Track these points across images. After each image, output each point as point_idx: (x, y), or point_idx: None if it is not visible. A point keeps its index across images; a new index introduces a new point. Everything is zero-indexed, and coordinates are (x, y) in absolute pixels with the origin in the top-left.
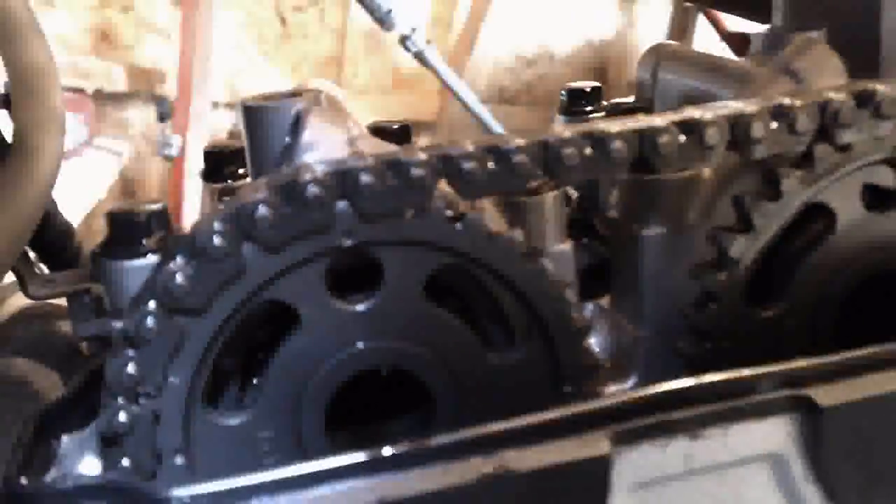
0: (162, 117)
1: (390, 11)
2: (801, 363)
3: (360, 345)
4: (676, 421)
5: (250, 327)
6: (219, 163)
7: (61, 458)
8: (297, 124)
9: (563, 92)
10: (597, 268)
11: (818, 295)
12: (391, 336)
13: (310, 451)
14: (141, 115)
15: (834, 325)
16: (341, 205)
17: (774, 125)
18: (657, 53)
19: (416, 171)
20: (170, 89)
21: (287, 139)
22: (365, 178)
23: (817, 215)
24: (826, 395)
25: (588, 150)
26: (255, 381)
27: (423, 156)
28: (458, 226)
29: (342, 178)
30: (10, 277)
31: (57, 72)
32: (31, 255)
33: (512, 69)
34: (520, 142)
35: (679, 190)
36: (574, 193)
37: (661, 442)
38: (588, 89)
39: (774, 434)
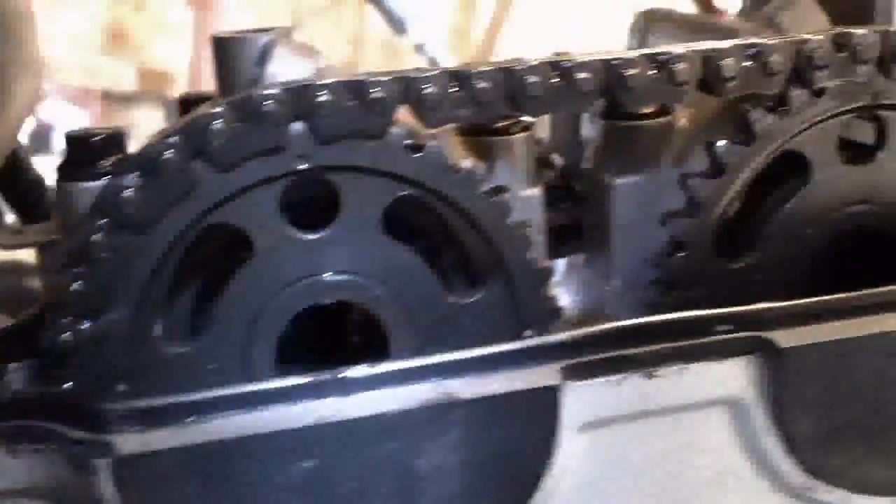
0: None
1: (403, 19)
2: (762, 306)
3: (315, 276)
4: (631, 356)
5: (203, 258)
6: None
7: (6, 386)
8: (264, 56)
9: None
10: (571, 227)
11: (790, 248)
12: (346, 268)
13: None
14: (148, 117)
15: (806, 280)
16: (297, 124)
17: (747, 63)
18: (646, 17)
19: (376, 93)
20: (179, 92)
21: (255, 71)
22: (321, 97)
23: (792, 166)
24: (787, 338)
25: (554, 80)
26: (206, 312)
27: (384, 78)
28: (418, 155)
29: (298, 96)
30: None
31: (35, 18)
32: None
33: None
34: (484, 69)
35: (652, 137)
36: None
37: (615, 378)
38: None
39: (734, 377)
